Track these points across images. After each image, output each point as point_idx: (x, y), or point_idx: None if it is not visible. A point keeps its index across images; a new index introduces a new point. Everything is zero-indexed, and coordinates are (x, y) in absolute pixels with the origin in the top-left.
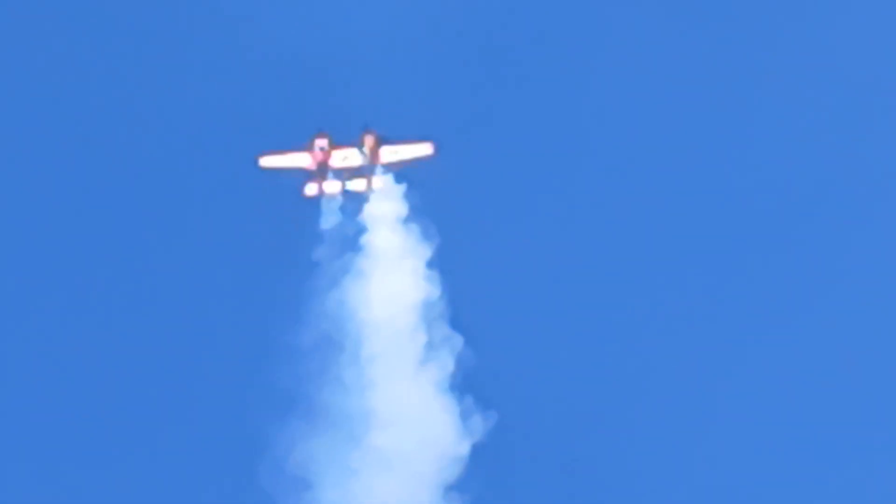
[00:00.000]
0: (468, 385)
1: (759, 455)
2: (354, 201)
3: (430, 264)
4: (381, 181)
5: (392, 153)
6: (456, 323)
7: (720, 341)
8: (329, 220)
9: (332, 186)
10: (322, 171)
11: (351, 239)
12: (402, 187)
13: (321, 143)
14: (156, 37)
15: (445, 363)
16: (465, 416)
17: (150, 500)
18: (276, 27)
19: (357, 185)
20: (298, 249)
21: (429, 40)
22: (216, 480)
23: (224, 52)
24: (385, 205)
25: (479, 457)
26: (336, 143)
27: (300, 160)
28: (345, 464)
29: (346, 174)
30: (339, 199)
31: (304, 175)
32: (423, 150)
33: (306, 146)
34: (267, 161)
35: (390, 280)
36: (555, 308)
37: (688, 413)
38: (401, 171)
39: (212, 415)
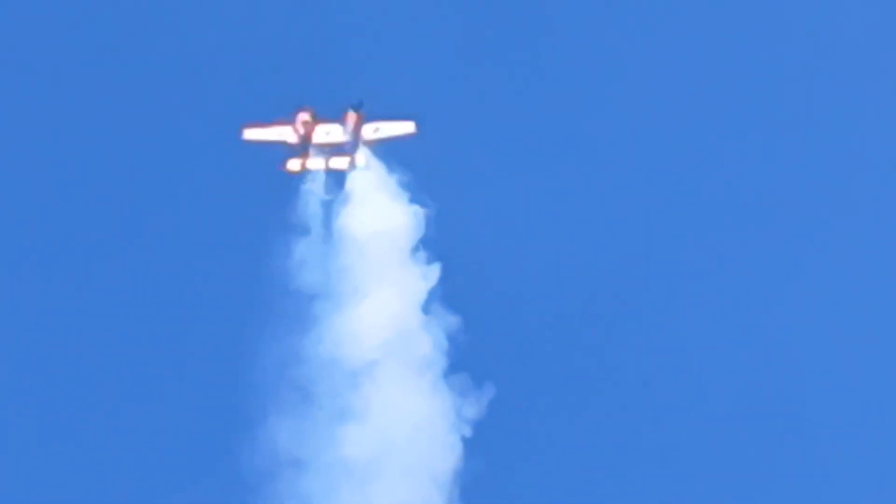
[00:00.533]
0: (463, 363)
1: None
2: (337, 178)
3: (419, 242)
4: (363, 158)
5: (375, 130)
6: (449, 302)
7: (720, 327)
8: (311, 196)
9: (315, 163)
10: (304, 146)
11: (333, 216)
12: (386, 165)
13: (304, 117)
14: (139, 7)
15: (439, 343)
16: (462, 394)
17: (130, 486)
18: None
19: (339, 162)
20: (281, 225)
21: (417, 16)
22: (199, 462)
23: (209, 22)
24: (368, 182)
25: (480, 435)
26: (320, 118)
27: (283, 134)
28: (336, 453)
29: (328, 150)
30: (322, 175)
31: (287, 151)
32: (407, 128)
33: (289, 120)
34: (250, 134)
35: (376, 258)
36: (547, 284)
37: (682, 381)
38: (385, 148)
39: (195, 398)
